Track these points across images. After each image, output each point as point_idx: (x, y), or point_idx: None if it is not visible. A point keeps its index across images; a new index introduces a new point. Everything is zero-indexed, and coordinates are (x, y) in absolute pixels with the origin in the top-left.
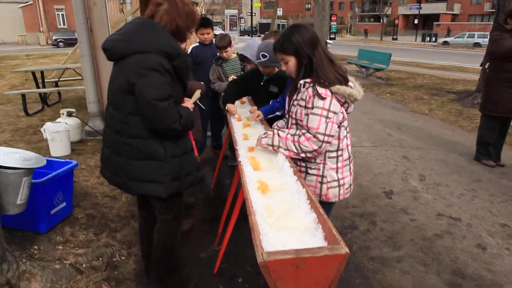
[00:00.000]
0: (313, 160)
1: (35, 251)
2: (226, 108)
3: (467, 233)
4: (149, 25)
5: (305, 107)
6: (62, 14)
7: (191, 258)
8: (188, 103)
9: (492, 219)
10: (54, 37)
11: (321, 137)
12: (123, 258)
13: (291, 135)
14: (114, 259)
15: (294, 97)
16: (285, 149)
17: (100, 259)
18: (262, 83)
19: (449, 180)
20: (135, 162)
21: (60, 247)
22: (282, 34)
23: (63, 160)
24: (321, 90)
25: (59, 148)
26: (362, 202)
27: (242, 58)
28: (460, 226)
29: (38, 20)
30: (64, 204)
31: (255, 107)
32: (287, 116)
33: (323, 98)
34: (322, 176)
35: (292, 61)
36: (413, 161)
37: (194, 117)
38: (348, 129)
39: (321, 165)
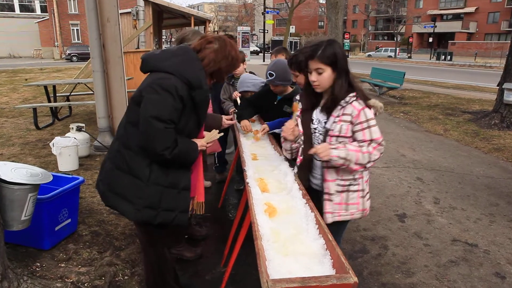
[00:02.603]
0: (353, 175)
1: (37, 268)
2: (240, 125)
3: (484, 260)
4: (185, 52)
5: (351, 122)
6: (77, 29)
7: (196, 279)
8: (202, 140)
9: (511, 246)
10: (67, 51)
11: (383, 143)
12: (126, 277)
13: (360, 146)
14: (117, 279)
15: (335, 114)
16: (355, 163)
17: (103, 278)
18: (275, 103)
19: (465, 204)
20: (119, 172)
21: (63, 265)
22: (321, 43)
23: (70, 176)
24: (365, 103)
25: (67, 163)
26: (373, 225)
27: (243, 95)
28: (477, 252)
29: (54, 34)
30: (69, 220)
31: (265, 124)
32: (303, 136)
33: (371, 108)
34: (363, 191)
35: (327, 72)
36: (427, 183)
37: (195, 156)
38: None
39: (360, 179)
